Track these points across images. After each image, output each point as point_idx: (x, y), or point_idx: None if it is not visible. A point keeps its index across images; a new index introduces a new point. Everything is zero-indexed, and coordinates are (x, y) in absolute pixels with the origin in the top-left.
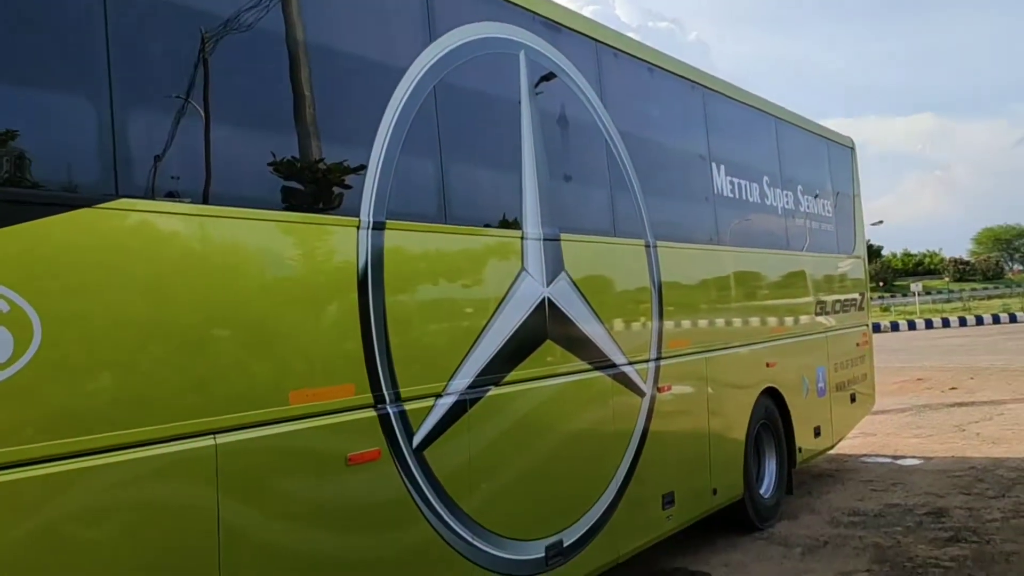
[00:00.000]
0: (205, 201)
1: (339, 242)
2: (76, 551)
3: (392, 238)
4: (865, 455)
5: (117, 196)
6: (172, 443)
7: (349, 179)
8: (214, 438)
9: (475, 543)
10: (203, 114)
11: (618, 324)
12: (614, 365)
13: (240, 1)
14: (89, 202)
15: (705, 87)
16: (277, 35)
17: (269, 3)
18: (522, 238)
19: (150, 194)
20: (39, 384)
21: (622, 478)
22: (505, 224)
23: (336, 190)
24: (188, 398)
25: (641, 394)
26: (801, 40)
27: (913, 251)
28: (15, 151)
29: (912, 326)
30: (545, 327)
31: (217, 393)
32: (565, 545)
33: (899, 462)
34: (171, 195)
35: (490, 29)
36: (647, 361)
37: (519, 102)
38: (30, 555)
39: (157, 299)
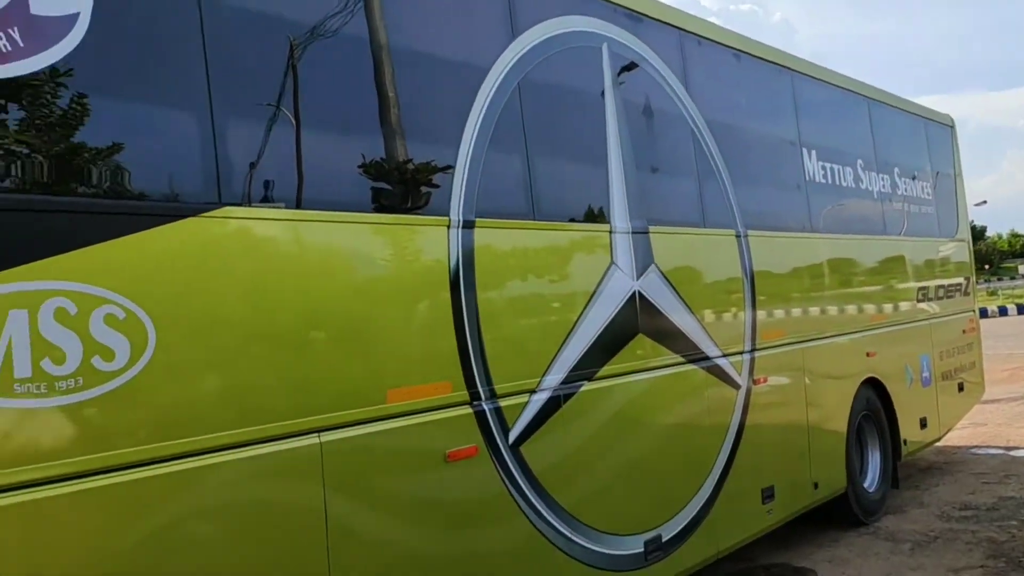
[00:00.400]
0: (301, 206)
1: (430, 242)
2: (190, 549)
3: (482, 236)
4: (975, 446)
5: (220, 204)
6: (279, 442)
7: (438, 179)
8: (318, 436)
9: (573, 538)
10: (296, 121)
11: (710, 316)
12: (707, 358)
13: (326, 9)
14: (195, 211)
15: (793, 70)
16: (363, 40)
17: (354, 9)
18: (610, 232)
19: (249, 201)
20: (153, 388)
21: (719, 472)
22: (593, 218)
23: (426, 190)
24: (293, 398)
25: (736, 387)
26: (891, 17)
27: (1021, 231)
28: (126, 165)
29: (1021, 310)
30: (636, 321)
31: (319, 393)
32: (664, 540)
33: (1012, 453)
34: (269, 201)
35: (572, 23)
36: (741, 353)
37: (603, 95)
38: (146, 554)
39: (259, 302)
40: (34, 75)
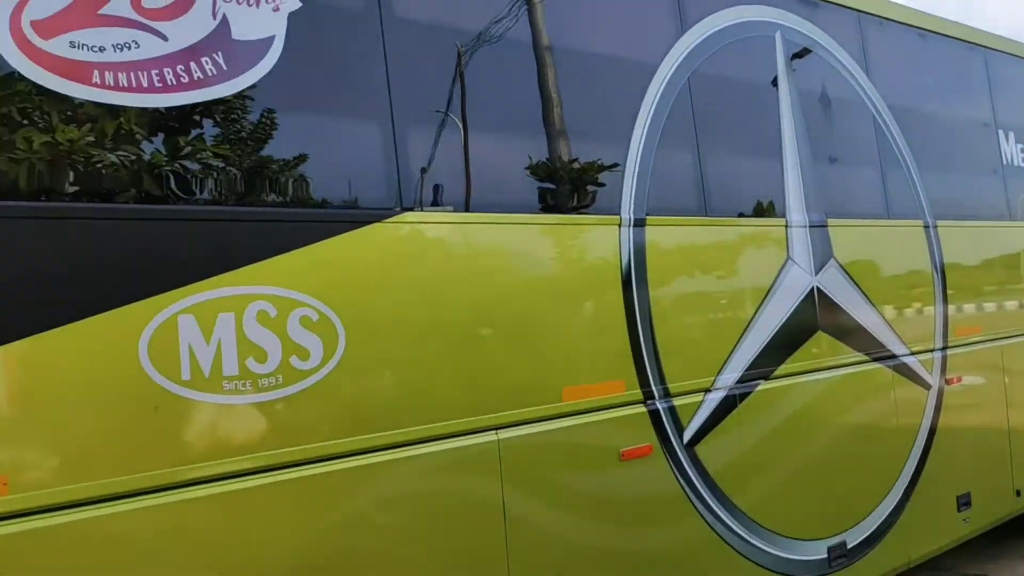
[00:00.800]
0: (475, 209)
1: (601, 241)
2: (377, 538)
3: (653, 234)
4: None
5: (401, 210)
6: (460, 438)
7: (608, 178)
8: (496, 434)
9: (752, 541)
10: (464, 127)
11: (896, 312)
12: (894, 356)
13: (493, 14)
14: (378, 217)
15: (986, 47)
16: (528, 44)
17: (520, 14)
18: (786, 226)
19: (430, 205)
20: (343, 386)
21: (909, 477)
22: (767, 213)
23: (596, 190)
24: (472, 396)
25: (927, 386)
26: None
27: None
28: (317, 177)
29: None
30: (815, 317)
31: (497, 391)
32: (849, 547)
33: None
34: (440, 205)
35: (742, 13)
36: (932, 351)
37: (777, 85)
38: (337, 541)
39: (438, 304)
40: (235, 95)
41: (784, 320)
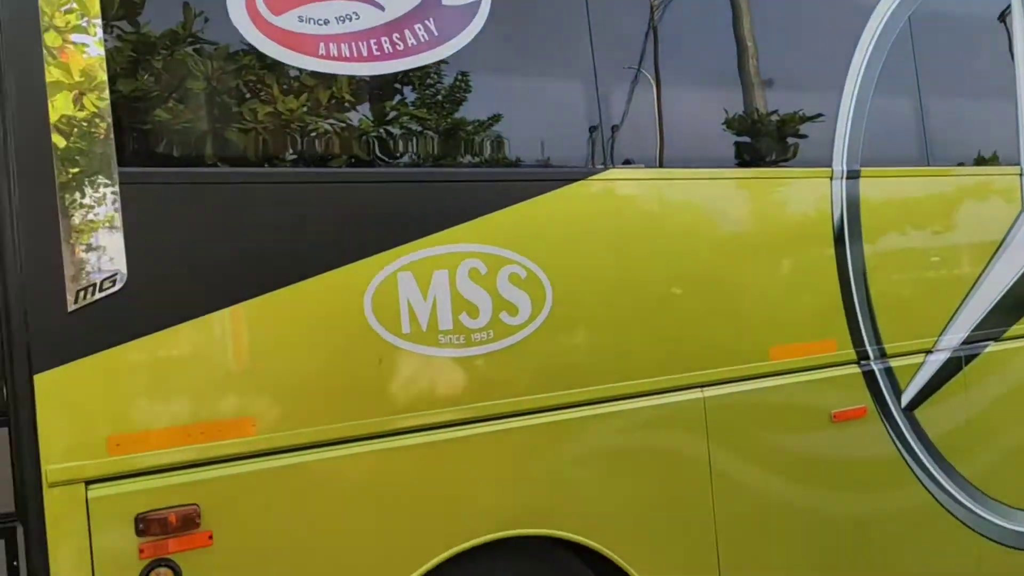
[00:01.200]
0: (679, 165)
1: (812, 194)
2: (577, 494)
3: (868, 186)
4: None
5: (605, 167)
6: (664, 395)
7: (818, 129)
8: (701, 391)
9: (977, 511)
10: (659, 81)
11: None
12: None
13: None
14: (584, 175)
15: None
16: None
17: None
18: (1021, 174)
19: (631, 163)
20: (550, 341)
21: None
22: (996, 161)
23: (805, 142)
24: (676, 355)
25: None
26: None
27: None
28: (524, 137)
29: None
30: None
31: (702, 349)
32: None
33: None
34: (644, 162)
35: None
36: None
37: (1008, 19)
38: (534, 495)
39: (642, 262)
40: (446, 60)
41: (1018, 277)
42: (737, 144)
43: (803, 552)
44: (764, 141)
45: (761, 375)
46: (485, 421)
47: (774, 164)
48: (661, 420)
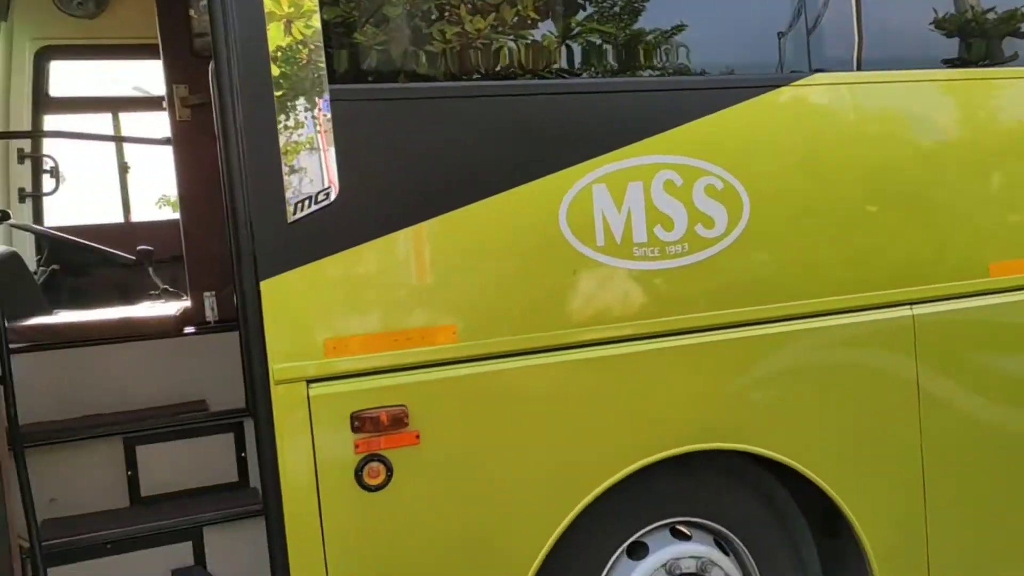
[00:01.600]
0: (894, 67)
1: None
2: (780, 403)
3: None
4: None
5: (810, 72)
6: (870, 312)
7: None
8: (911, 308)
9: None
10: None
11: None
12: None
13: None
14: (786, 81)
15: None
16: None
17: None
18: None
19: (842, 66)
20: (747, 254)
21: None
22: None
23: None
24: (885, 269)
25: None
26: None
27: None
28: (722, 43)
29: None
30: None
31: (913, 265)
32: None
33: None
34: (858, 65)
35: None
36: None
37: None
38: (729, 407)
39: (850, 171)
40: None
41: None
42: (952, 44)
43: (1017, 487)
44: (982, 42)
45: (978, 292)
46: (676, 335)
47: (993, 66)
48: (866, 338)
